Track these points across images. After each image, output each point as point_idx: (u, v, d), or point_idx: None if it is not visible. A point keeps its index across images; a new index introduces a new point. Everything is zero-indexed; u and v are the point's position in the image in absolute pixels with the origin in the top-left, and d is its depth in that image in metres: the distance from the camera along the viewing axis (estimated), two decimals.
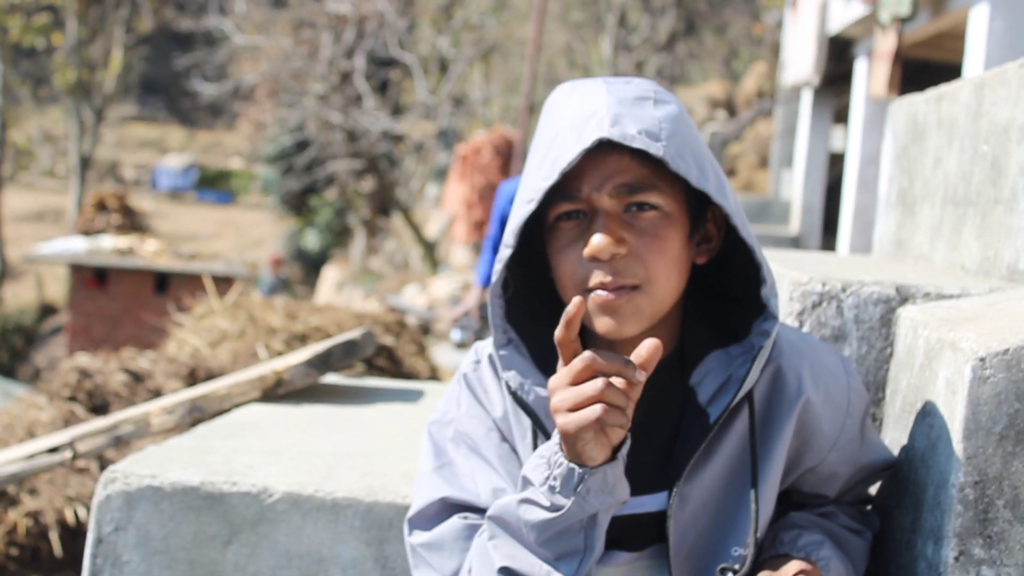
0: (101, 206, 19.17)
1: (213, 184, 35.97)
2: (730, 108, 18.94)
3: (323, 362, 2.69)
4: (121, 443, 2.62)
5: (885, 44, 8.14)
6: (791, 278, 1.85)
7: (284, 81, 18.76)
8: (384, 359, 4.49)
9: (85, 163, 27.34)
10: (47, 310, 22.34)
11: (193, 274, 13.12)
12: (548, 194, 1.30)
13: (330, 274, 20.59)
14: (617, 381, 1.18)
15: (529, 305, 1.41)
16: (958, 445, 1.38)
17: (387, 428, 2.40)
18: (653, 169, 1.30)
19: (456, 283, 14.77)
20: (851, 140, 10.00)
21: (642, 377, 1.18)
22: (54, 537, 3.23)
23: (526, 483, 1.26)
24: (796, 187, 12.45)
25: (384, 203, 20.46)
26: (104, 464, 3.32)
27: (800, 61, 11.58)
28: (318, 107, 17.52)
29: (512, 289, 1.39)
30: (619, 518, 1.34)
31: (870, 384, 1.81)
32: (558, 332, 1.21)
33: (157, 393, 3.69)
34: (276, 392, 2.65)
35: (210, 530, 1.84)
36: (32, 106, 33.00)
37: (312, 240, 23.35)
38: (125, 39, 28.09)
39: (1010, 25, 6.73)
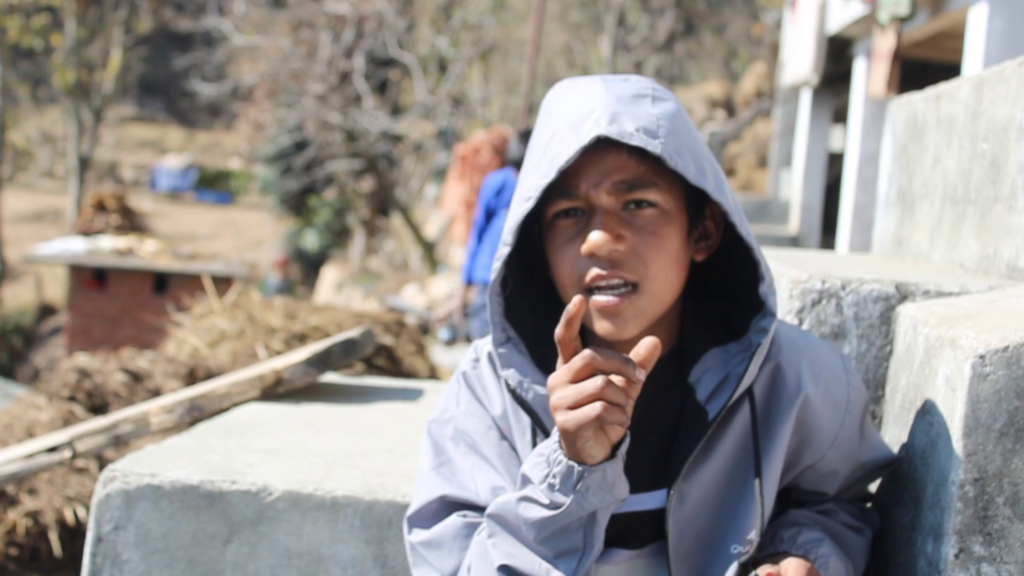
0: (100, 207, 19.11)
1: (212, 184, 35.94)
2: (729, 108, 18.91)
3: (322, 361, 2.69)
4: (120, 442, 2.62)
5: (884, 44, 8.14)
6: (791, 276, 1.84)
7: (283, 81, 18.73)
8: (383, 358, 4.48)
9: (84, 164, 27.32)
10: (46, 310, 22.31)
11: (192, 274, 13.10)
12: (546, 192, 1.30)
13: (329, 274, 20.55)
14: (617, 379, 1.18)
15: (528, 303, 1.41)
16: (958, 442, 1.38)
17: (386, 427, 2.40)
18: (651, 166, 1.30)
19: (455, 283, 14.75)
20: (850, 140, 9.99)
21: (642, 375, 1.18)
22: (53, 537, 3.22)
23: (525, 481, 1.26)
24: (795, 187, 12.44)
25: (383, 203, 20.44)
26: (103, 464, 3.31)
27: (799, 61, 11.57)
28: (317, 107, 17.48)
29: (511, 287, 1.39)
30: (618, 516, 1.34)
31: (870, 382, 1.81)
32: (558, 331, 1.21)
33: (156, 393, 3.68)
34: (275, 391, 2.64)
35: (210, 529, 1.84)
36: (31, 107, 32.93)
37: (311, 240, 23.31)
38: (124, 40, 28.05)
39: (1009, 24, 6.73)
